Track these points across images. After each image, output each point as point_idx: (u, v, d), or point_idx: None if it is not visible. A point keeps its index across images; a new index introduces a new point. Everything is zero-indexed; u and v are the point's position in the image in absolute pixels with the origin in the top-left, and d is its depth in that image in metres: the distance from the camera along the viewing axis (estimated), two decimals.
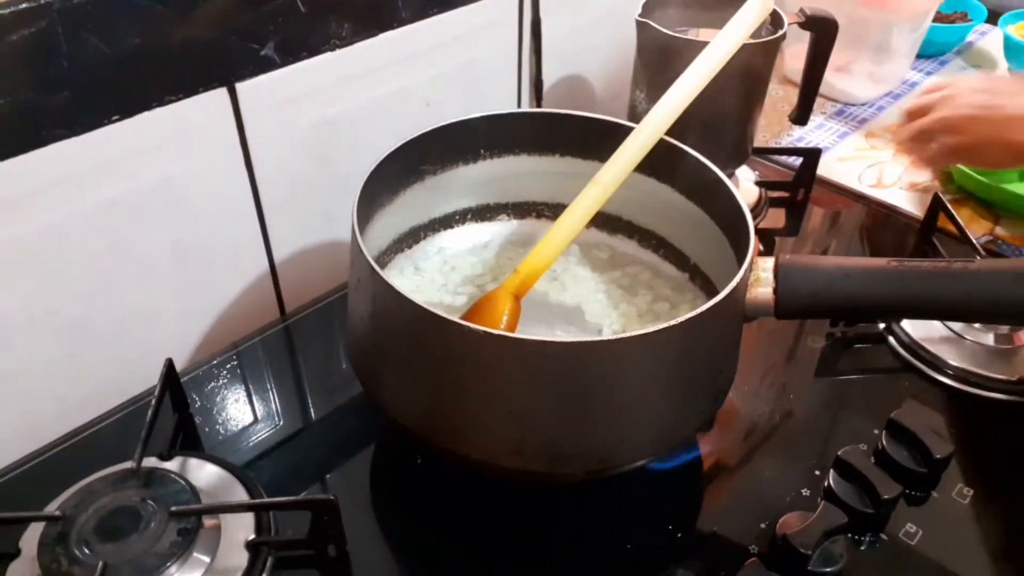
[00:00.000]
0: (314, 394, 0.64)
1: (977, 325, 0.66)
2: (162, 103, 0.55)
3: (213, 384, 0.63)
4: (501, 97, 0.82)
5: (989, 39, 1.19)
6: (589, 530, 0.54)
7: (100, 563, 0.44)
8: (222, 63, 0.57)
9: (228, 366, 0.65)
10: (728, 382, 0.53)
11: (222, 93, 0.58)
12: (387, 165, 0.55)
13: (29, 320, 0.55)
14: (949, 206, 0.75)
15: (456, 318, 0.44)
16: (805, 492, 0.55)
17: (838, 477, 0.53)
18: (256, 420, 0.61)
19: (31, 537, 0.47)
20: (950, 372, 0.64)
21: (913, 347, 0.66)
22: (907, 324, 0.67)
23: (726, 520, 0.54)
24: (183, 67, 0.55)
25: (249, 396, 0.63)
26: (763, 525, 0.52)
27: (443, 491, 0.56)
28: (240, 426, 0.60)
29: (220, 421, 0.60)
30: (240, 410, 0.61)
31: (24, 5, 0.46)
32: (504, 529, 0.54)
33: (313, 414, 0.62)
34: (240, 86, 0.59)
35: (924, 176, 0.90)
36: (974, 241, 0.72)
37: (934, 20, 1.06)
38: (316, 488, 0.57)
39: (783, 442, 0.59)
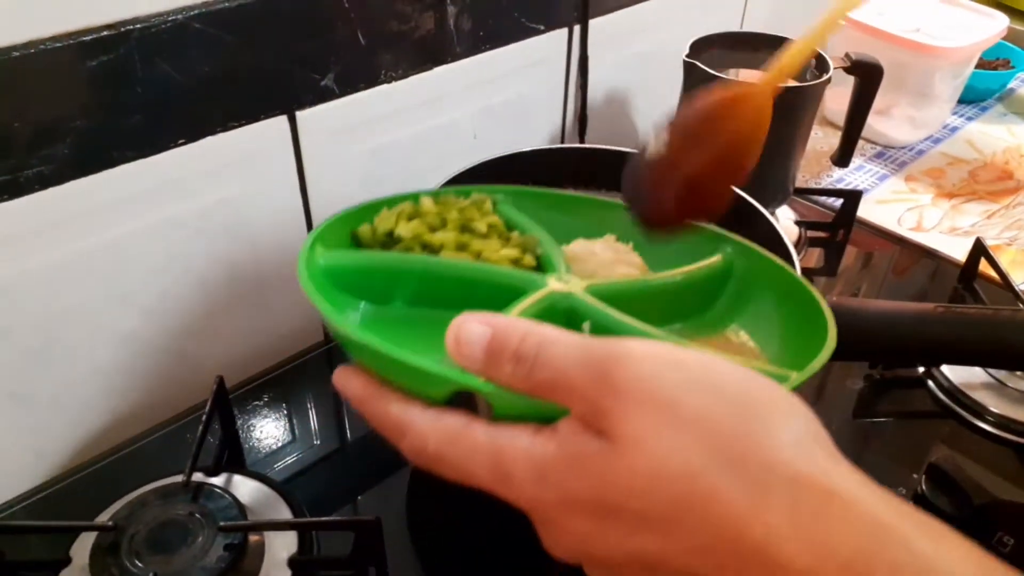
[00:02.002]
0: (352, 415, 0.65)
1: (1020, 372, 0.66)
2: (226, 128, 0.57)
3: (257, 402, 0.65)
4: (546, 131, 0.84)
5: None
6: None
7: (150, 574, 0.46)
8: (284, 92, 0.59)
9: (272, 385, 0.66)
10: None
11: (282, 120, 0.60)
12: None
13: (90, 333, 0.57)
14: (991, 252, 0.75)
15: None
16: None
17: None
18: (296, 438, 0.62)
19: (82, 546, 0.49)
20: (991, 419, 0.63)
21: (953, 392, 0.65)
22: (947, 369, 0.67)
23: None
24: (247, 94, 0.57)
25: (290, 415, 0.64)
26: None
27: (480, 517, 0.56)
28: (281, 443, 0.61)
29: (262, 438, 0.62)
30: (282, 428, 0.63)
31: (105, 33, 0.48)
32: (542, 557, 0.54)
33: (351, 435, 0.64)
34: (300, 114, 0.61)
35: (966, 221, 0.90)
36: (1016, 288, 0.72)
37: (976, 66, 1.06)
38: (352, 508, 0.58)
39: None
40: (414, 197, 0.48)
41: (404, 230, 0.45)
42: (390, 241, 0.45)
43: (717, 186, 0.42)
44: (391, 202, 0.48)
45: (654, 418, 0.26)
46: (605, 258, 0.48)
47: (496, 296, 0.40)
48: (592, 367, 0.27)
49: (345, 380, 0.34)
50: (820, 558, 0.24)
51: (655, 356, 0.27)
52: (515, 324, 0.30)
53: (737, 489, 0.25)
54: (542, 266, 0.45)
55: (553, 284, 0.41)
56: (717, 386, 0.27)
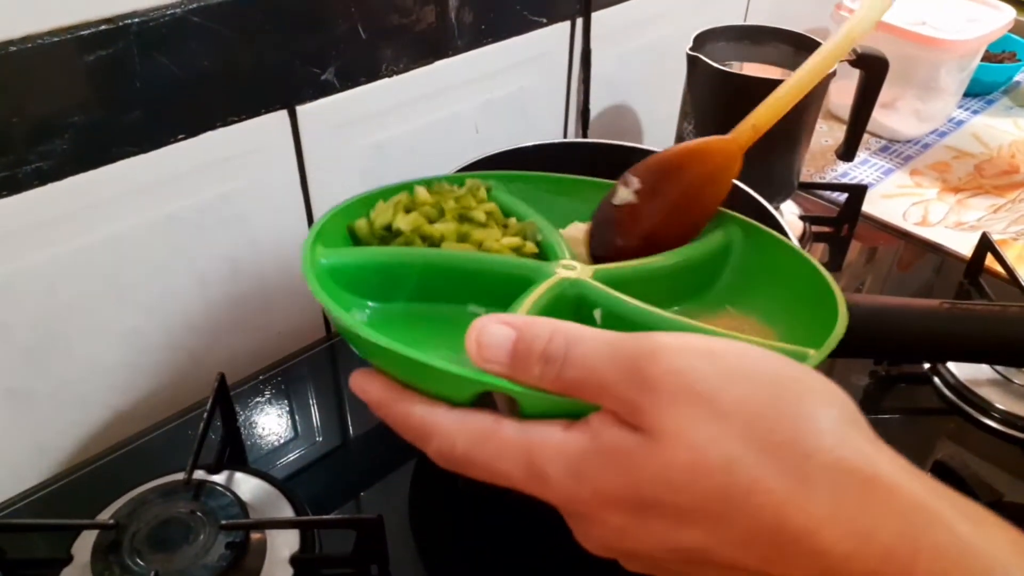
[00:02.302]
0: (355, 412, 0.65)
1: None
2: (226, 123, 0.57)
3: (258, 399, 0.64)
4: (549, 125, 0.83)
5: None
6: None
7: (152, 572, 0.45)
8: (284, 86, 0.59)
9: (273, 382, 0.66)
10: None
11: (283, 115, 0.60)
12: None
13: (89, 329, 0.57)
14: (997, 247, 0.74)
15: None
16: None
17: None
18: (298, 435, 0.62)
19: (84, 544, 0.48)
20: (997, 415, 0.63)
21: (959, 388, 0.65)
22: (953, 365, 0.66)
23: None
24: (247, 89, 0.57)
25: (292, 412, 0.64)
26: None
27: (483, 516, 0.56)
28: (283, 440, 0.61)
29: (264, 435, 0.61)
30: (283, 425, 0.62)
31: (104, 27, 0.48)
32: (544, 558, 0.54)
33: (353, 431, 0.63)
34: (300, 109, 0.60)
35: (971, 215, 0.89)
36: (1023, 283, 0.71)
37: (982, 59, 1.05)
38: (354, 505, 0.57)
39: None
40: (408, 188, 0.47)
41: (403, 223, 0.44)
42: (389, 235, 0.45)
43: (678, 231, 0.46)
44: (385, 194, 0.47)
45: (690, 411, 0.26)
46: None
47: (504, 285, 0.39)
48: (623, 363, 0.27)
49: (364, 384, 0.33)
50: (862, 544, 0.24)
51: (686, 348, 0.27)
52: (539, 323, 0.29)
53: (777, 478, 0.25)
54: (543, 252, 0.45)
55: (561, 272, 0.41)
56: (751, 375, 0.26)
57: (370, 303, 0.42)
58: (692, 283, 0.46)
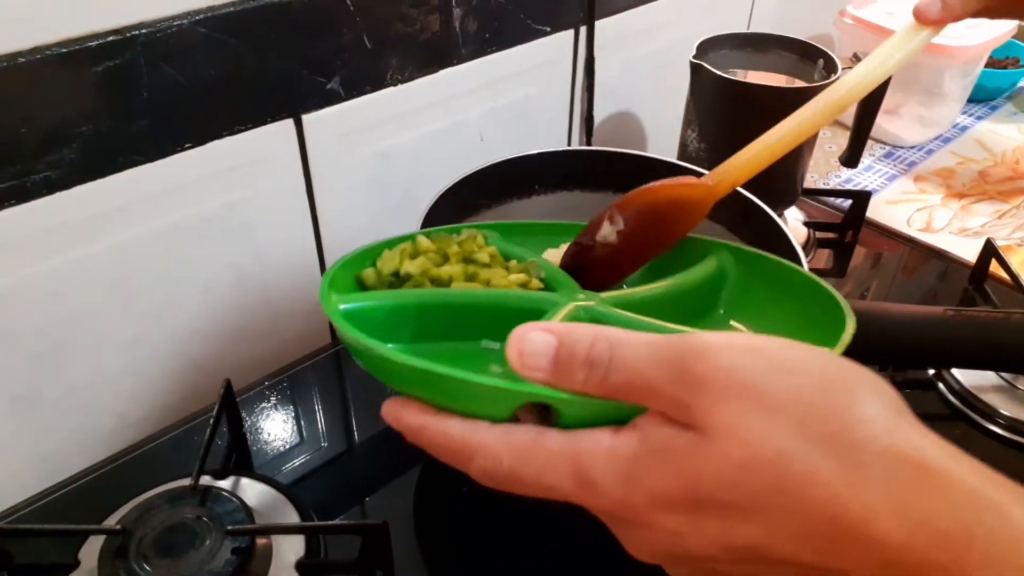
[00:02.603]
0: (360, 418, 0.65)
1: None
2: (232, 132, 0.57)
3: (264, 404, 0.65)
4: (553, 132, 0.84)
5: None
6: (632, 567, 0.54)
7: None
8: (290, 95, 0.59)
9: (279, 388, 0.66)
10: None
11: (288, 124, 0.60)
12: (445, 198, 0.57)
13: (95, 337, 0.57)
14: (1002, 252, 0.74)
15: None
16: None
17: None
18: (303, 441, 0.62)
19: (90, 549, 0.49)
20: (1002, 422, 0.63)
21: (964, 395, 0.65)
22: (958, 371, 0.66)
23: None
24: (253, 98, 0.57)
25: (298, 418, 0.64)
26: None
27: (489, 523, 0.56)
28: (288, 446, 0.61)
29: (269, 441, 0.62)
30: (289, 431, 0.63)
31: (111, 38, 0.49)
32: (549, 564, 0.54)
33: (358, 437, 0.64)
34: (306, 117, 0.61)
35: (976, 221, 0.89)
36: None
37: (986, 65, 1.06)
38: (359, 511, 0.58)
39: None
40: (410, 238, 0.49)
41: (411, 267, 0.45)
42: (397, 281, 0.46)
43: (639, 262, 0.50)
44: (390, 244, 0.48)
45: (741, 405, 0.26)
46: None
47: (517, 319, 0.40)
48: (670, 363, 0.27)
49: (398, 412, 0.33)
50: (917, 531, 0.24)
51: (732, 345, 0.27)
52: (580, 329, 0.29)
53: (832, 469, 0.25)
54: (548, 287, 0.46)
55: (579, 299, 0.42)
56: (798, 369, 0.26)
57: (388, 345, 0.42)
58: (697, 305, 0.48)
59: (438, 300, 0.43)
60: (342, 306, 0.41)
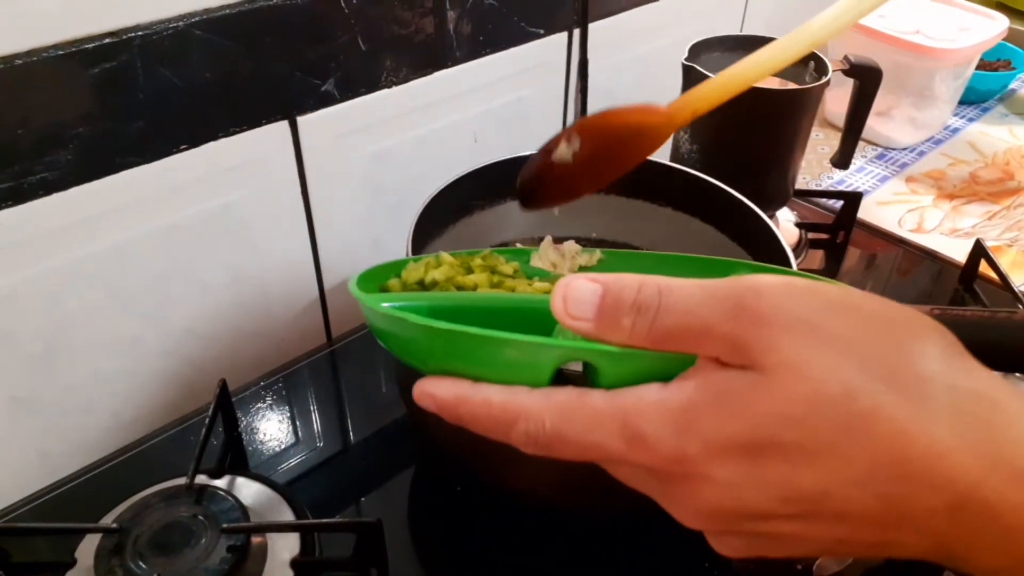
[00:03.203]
0: (355, 418, 0.66)
1: (1018, 374, 0.66)
2: (228, 134, 0.57)
3: (260, 404, 0.65)
4: (547, 134, 0.83)
5: None
6: (625, 565, 0.54)
7: (154, 575, 0.46)
8: (285, 97, 0.59)
9: (275, 388, 0.67)
10: None
11: (283, 126, 0.61)
12: (440, 199, 0.57)
13: (92, 337, 0.58)
14: (991, 253, 0.75)
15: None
16: None
17: None
18: (299, 441, 0.63)
19: (87, 548, 0.49)
20: None
21: None
22: None
23: (764, 560, 0.54)
24: (249, 100, 0.58)
25: (293, 418, 0.65)
26: (799, 567, 0.52)
27: (483, 521, 0.57)
28: (284, 446, 0.62)
29: (265, 440, 0.62)
30: (284, 431, 0.63)
31: (108, 40, 0.49)
32: (543, 563, 0.55)
33: (353, 437, 0.64)
34: (301, 119, 0.61)
35: (966, 222, 0.90)
36: (1016, 289, 0.72)
37: (977, 67, 1.06)
38: (354, 510, 0.58)
39: None
40: (434, 256, 0.49)
41: (438, 274, 0.45)
42: (421, 290, 0.46)
43: (592, 186, 0.46)
44: (412, 260, 0.48)
45: (803, 340, 0.25)
46: (569, 249, 0.54)
47: (548, 324, 0.40)
48: (725, 303, 0.26)
49: (432, 388, 0.31)
50: (991, 468, 0.23)
51: (788, 284, 0.26)
52: (626, 277, 0.28)
53: (898, 403, 0.24)
54: None
55: None
56: (856, 307, 0.26)
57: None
58: None
59: (482, 304, 0.42)
60: (386, 304, 0.40)
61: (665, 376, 0.28)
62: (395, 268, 0.48)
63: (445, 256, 0.48)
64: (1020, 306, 0.70)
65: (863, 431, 0.24)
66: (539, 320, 0.39)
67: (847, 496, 0.25)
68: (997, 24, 0.99)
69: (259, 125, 0.59)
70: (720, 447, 0.26)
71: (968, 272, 0.78)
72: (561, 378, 0.29)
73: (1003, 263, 0.75)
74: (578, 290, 0.28)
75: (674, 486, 0.28)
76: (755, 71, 0.43)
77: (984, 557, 0.24)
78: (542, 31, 0.75)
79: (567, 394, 0.28)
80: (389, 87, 0.66)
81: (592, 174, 0.46)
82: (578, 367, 0.30)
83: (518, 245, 0.66)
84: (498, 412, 0.29)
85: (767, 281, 0.26)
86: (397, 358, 0.35)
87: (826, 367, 0.24)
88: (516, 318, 0.41)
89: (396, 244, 0.52)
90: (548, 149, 0.46)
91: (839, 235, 0.86)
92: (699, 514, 0.28)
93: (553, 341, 0.29)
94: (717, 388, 0.26)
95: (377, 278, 0.47)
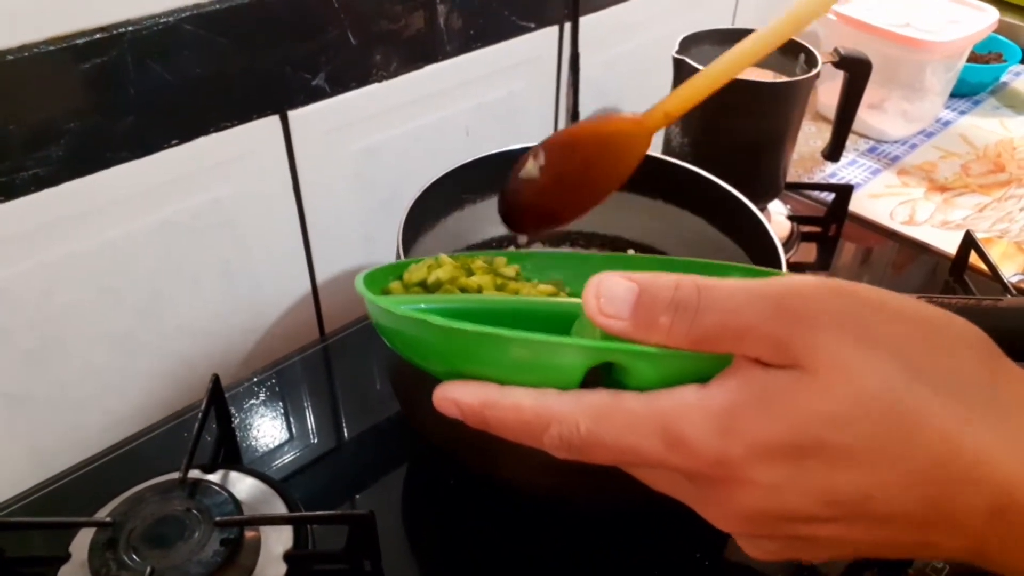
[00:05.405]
0: (349, 413, 0.66)
1: None
2: (218, 128, 0.57)
3: (253, 400, 0.65)
4: (538, 128, 0.84)
5: (1023, 80, 1.20)
6: (617, 556, 0.55)
7: (148, 568, 0.46)
8: (276, 92, 0.60)
9: (268, 383, 0.67)
10: None
11: (274, 120, 0.61)
12: (430, 193, 0.57)
13: (85, 333, 0.58)
14: (981, 244, 0.76)
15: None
16: None
17: None
18: (292, 436, 0.63)
19: (81, 542, 0.49)
20: None
21: None
22: None
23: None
24: (239, 95, 0.58)
25: (287, 413, 0.65)
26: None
27: (476, 514, 0.57)
28: (277, 442, 0.62)
29: (258, 436, 0.62)
30: (278, 426, 0.63)
31: (98, 36, 0.49)
32: (535, 554, 0.55)
33: (347, 433, 0.64)
34: (292, 114, 0.61)
35: (958, 214, 0.91)
36: (1006, 279, 0.72)
37: (968, 60, 1.07)
38: (348, 505, 0.58)
39: None
40: (434, 259, 0.49)
41: (441, 273, 0.45)
42: (424, 291, 0.46)
43: (579, 203, 0.45)
44: (414, 263, 0.48)
45: (847, 339, 0.24)
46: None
47: (565, 326, 0.39)
48: (766, 302, 0.25)
49: (454, 393, 0.29)
50: None
51: (826, 285, 0.26)
52: (662, 276, 0.27)
53: (943, 405, 0.24)
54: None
55: None
56: (900, 311, 0.26)
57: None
58: None
59: (499, 306, 0.41)
60: (403, 306, 0.39)
61: (699, 378, 0.27)
62: (395, 270, 0.48)
63: (445, 258, 0.48)
64: (1007, 296, 0.70)
65: (908, 433, 0.24)
66: (549, 322, 0.38)
67: (890, 498, 0.24)
68: (987, 16, 1.00)
69: (250, 120, 0.59)
70: (764, 449, 0.25)
71: (959, 263, 0.79)
72: (586, 380, 0.29)
73: (994, 254, 0.76)
74: (613, 287, 0.27)
75: (712, 489, 0.27)
76: (731, 66, 0.42)
77: (1020, 559, 0.24)
78: (533, 25, 0.75)
79: (600, 396, 0.27)
80: (380, 81, 0.66)
81: (570, 193, 0.45)
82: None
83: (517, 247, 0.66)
84: (530, 416, 0.28)
85: (807, 281, 0.26)
86: (399, 357, 0.34)
87: (871, 368, 0.24)
88: (526, 320, 0.40)
89: (388, 238, 0.52)
90: (517, 169, 0.46)
91: (831, 228, 0.86)
92: (737, 517, 0.27)
93: (590, 342, 0.28)
94: (760, 388, 0.25)
95: (377, 280, 0.47)
